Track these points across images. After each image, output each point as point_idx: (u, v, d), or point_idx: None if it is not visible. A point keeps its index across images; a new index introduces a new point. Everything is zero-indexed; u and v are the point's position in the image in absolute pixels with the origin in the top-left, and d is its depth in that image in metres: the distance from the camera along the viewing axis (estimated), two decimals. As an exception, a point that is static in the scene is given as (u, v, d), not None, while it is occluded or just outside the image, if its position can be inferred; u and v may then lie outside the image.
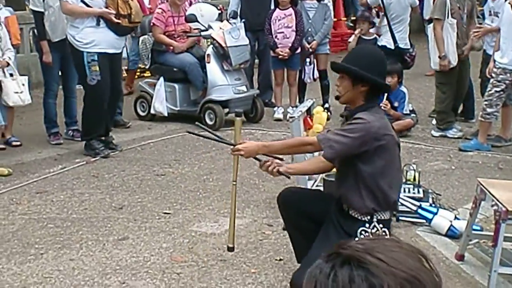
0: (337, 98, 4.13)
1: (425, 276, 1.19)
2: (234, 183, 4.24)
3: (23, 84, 6.89)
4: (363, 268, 1.17)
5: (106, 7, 6.97)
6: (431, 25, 8.10)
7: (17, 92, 6.81)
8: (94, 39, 6.95)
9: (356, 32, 8.92)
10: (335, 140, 3.81)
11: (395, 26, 8.69)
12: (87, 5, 6.94)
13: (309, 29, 8.90)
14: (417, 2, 8.92)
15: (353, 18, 11.77)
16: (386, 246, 1.22)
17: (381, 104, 8.02)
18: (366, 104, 3.96)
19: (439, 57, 7.87)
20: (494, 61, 7.23)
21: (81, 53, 6.94)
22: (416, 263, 1.20)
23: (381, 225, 3.92)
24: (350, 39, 9.11)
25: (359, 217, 3.92)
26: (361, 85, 3.89)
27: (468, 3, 7.93)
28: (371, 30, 8.99)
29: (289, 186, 4.94)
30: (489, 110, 7.27)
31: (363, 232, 3.87)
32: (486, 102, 7.29)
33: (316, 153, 4.77)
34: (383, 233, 3.89)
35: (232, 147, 4.14)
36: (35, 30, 7.78)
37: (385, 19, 8.73)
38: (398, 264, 1.17)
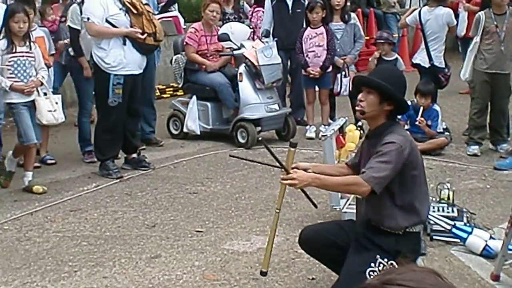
0: (361, 113, 4.05)
1: None
2: (278, 211, 4.11)
3: (57, 103, 6.97)
4: None
5: (131, 26, 7.03)
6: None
7: (50, 111, 6.88)
8: (122, 61, 7.02)
9: (376, 53, 8.90)
10: (380, 177, 3.78)
11: (431, 44, 8.69)
12: (113, 25, 6.99)
13: (338, 50, 8.90)
14: (455, 22, 8.86)
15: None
16: (401, 273, 1.22)
17: (416, 120, 8.03)
18: (388, 123, 3.98)
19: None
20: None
21: (108, 75, 6.99)
22: (434, 279, 1.21)
23: (386, 260, 3.91)
24: (370, 59, 9.06)
25: (392, 231, 3.97)
26: (387, 104, 3.90)
27: (511, 20, 7.77)
28: None
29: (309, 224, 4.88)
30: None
31: (371, 273, 3.84)
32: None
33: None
34: (391, 265, 3.87)
35: (284, 174, 3.95)
36: (69, 49, 7.85)
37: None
38: (419, 284, 1.19)
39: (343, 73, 8.83)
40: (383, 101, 3.89)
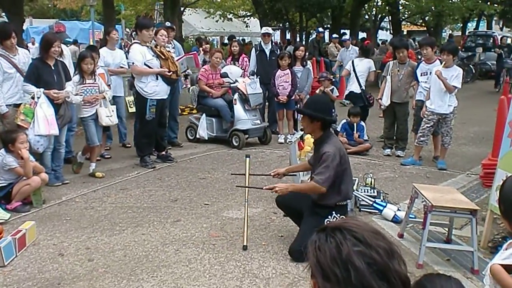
0: (302, 129, 4.45)
1: (382, 232, 1.30)
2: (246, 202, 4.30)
3: (112, 110, 6.91)
4: (347, 229, 1.26)
5: (161, 67, 7.01)
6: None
7: (108, 116, 6.81)
8: (155, 90, 6.99)
9: (321, 87, 9.01)
10: (326, 178, 3.97)
11: (360, 77, 8.84)
12: (149, 67, 6.96)
13: (298, 85, 8.93)
14: (374, 68, 9.12)
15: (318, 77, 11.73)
16: (351, 220, 1.33)
17: (352, 133, 8.09)
18: (324, 134, 4.10)
19: (377, 99, 8.15)
20: (426, 106, 7.21)
21: (146, 99, 6.97)
22: (372, 227, 1.32)
23: (339, 214, 4.07)
24: (317, 91, 9.19)
25: (327, 205, 4.14)
26: (316, 121, 4.05)
27: (408, 69, 7.81)
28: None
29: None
30: (422, 138, 7.23)
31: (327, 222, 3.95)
32: (420, 133, 7.25)
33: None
34: (341, 218, 4.01)
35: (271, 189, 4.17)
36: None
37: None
38: (365, 225, 1.29)
39: (298, 105, 8.81)
40: (313, 121, 4.05)
